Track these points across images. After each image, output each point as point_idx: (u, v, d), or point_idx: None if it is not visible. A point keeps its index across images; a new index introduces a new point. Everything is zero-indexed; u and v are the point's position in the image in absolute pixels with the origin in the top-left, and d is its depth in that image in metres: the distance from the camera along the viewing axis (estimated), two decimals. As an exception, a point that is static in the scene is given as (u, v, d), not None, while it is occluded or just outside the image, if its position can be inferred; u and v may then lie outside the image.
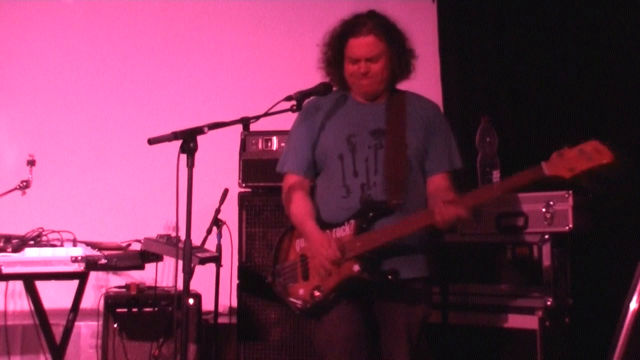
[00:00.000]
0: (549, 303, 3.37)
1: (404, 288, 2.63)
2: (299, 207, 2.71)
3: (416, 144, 2.68)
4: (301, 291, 2.68)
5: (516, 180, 2.44)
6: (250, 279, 3.75)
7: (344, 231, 2.61)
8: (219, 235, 3.69)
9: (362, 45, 2.63)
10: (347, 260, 2.56)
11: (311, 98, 2.74)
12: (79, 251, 3.24)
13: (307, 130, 2.77)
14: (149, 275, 3.88)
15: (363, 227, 2.58)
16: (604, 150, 2.28)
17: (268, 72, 4.78)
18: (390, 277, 2.54)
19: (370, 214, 2.59)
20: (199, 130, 2.46)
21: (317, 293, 2.63)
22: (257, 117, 2.65)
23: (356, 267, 2.55)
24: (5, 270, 3.10)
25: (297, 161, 2.79)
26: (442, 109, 4.47)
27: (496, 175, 3.71)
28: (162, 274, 3.92)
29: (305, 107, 2.72)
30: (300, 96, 2.64)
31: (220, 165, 4.20)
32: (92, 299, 4.22)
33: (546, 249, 3.42)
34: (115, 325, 3.82)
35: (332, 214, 2.66)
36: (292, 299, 2.72)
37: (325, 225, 2.66)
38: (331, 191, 2.69)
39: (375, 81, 2.68)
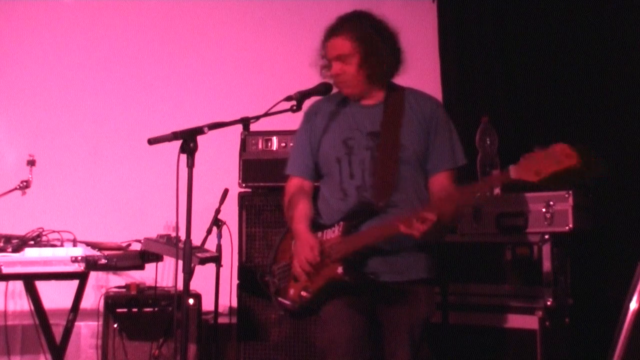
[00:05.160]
0: (549, 303, 3.37)
1: (405, 290, 2.63)
2: (294, 210, 2.75)
3: (413, 143, 2.66)
4: (291, 292, 2.70)
5: (485, 185, 2.41)
6: (250, 279, 3.75)
7: (334, 233, 2.62)
8: (219, 235, 3.70)
9: (332, 47, 2.66)
10: (333, 262, 2.57)
11: (313, 101, 2.75)
12: (79, 251, 3.24)
13: (307, 135, 2.80)
14: (149, 275, 3.88)
15: (351, 229, 2.58)
16: (571, 154, 2.22)
17: (268, 72, 4.78)
18: (372, 277, 2.55)
19: (356, 216, 2.59)
20: (199, 130, 2.46)
21: (304, 294, 2.65)
22: (257, 117, 2.65)
23: (340, 269, 2.55)
24: (5, 270, 3.10)
25: (297, 164, 2.83)
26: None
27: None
28: (162, 274, 3.92)
29: (306, 112, 2.76)
30: (300, 96, 2.65)
31: (220, 165, 4.20)
32: (92, 299, 4.23)
33: (546, 249, 3.42)
34: (115, 325, 3.82)
35: (331, 216, 2.68)
36: (281, 300, 2.74)
37: (319, 227, 2.67)
38: (331, 194, 2.71)
39: (351, 83, 2.67)
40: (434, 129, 2.69)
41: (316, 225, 2.68)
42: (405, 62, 2.72)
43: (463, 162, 2.74)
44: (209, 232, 3.68)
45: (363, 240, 2.54)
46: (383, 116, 2.68)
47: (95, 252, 3.28)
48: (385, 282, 2.60)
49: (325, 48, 2.69)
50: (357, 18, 2.68)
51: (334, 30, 2.66)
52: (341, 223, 2.61)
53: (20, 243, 3.21)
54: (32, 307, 3.67)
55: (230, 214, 3.78)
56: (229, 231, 3.74)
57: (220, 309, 3.77)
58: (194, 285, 2.96)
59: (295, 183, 2.82)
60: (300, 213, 2.71)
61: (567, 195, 3.43)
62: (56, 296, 3.84)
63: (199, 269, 3.34)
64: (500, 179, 2.36)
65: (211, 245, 3.69)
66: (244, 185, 3.85)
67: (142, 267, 3.50)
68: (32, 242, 3.25)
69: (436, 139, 2.69)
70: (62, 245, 3.29)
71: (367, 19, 2.68)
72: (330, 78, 2.71)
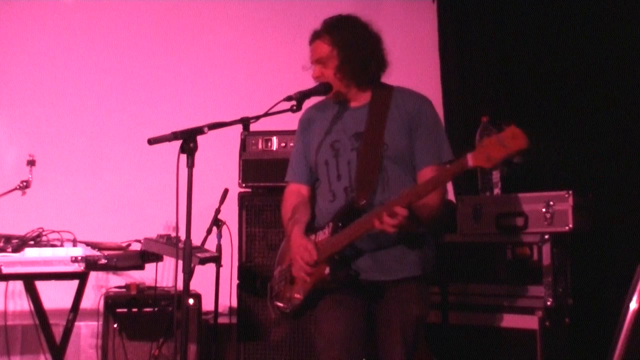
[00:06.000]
0: (549, 303, 3.37)
1: (395, 288, 2.62)
2: (288, 214, 2.77)
3: (396, 141, 2.65)
4: (287, 294, 2.72)
5: (445, 174, 2.41)
6: (250, 279, 3.75)
7: (324, 234, 2.63)
8: (219, 235, 3.70)
9: (312, 50, 2.70)
10: (321, 263, 2.58)
11: (307, 107, 2.77)
12: (79, 251, 3.25)
13: (302, 141, 2.84)
14: (149, 275, 3.88)
15: (337, 229, 2.59)
16: (520, 136, 2.20)
17: (268, 72, 4.78)
18: (354, 275, 2.56)
19: (342, 216, 2.59)
20: (199, 130, 2.46)
21: (296, 295, 2.67)
22: (257, 117, 2.66)
23: (327, 270, 2.56)
24: (5, 270, 3.10)
25: (293, 171, 2.86)
26: (442, 108, 4.51)
27: (496, 175, 3.71)
28: (162, 274, 3.92)
29: (300, 119, 2.81)
30: (300, 96, 2.65)
31: (220, 165, 4.20)
32: (92, 299, 4.22)
33: (546, 249, 3.42)
34: (115, 325, 3.82)
35: (323, 218, 2.69)
36: (277, 303, 2.76)
37: (313, 229, 2.69)
38: (323, 197, 2.74)
39: (332, 85, 2.69)
40: (418, 125, 2.67)
41: (311, 228, 2.70)
42: (390, 65, 2.72)
43: (449, 159, 2.71)
44: (209, 232, 3.68)
45: (344, 239, 2.54)
46: (367, 116, 2.69)
47: (95, 252, 3.28)
48: (375, 281, 2.60)
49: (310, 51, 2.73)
50: (337, 22, 2.69)
51: (315, 34, 2.70)
52: (330, 224, 2.62)
53: (20, 243, 3.21)
54: (32, 307, 3.67)
55: (230, 214, 3.79)
56: (229, 231, 3.74)
57: (220, 309, 3.77)
58: (194, 285, 2.96)
59: (291, 189, 2.84)
60: (295, 217, 2.73)
61: (567, 195, 3.43)
62: (56, 296, 3.84)
63: (199, 269, 3.34)
64: (459, 167, 2.34)
65: (211, 245, 3.69)
66: (244, 185, 3.85)
67: (142, 267, 3.51)
68: (32, 242, 3.26)
69: (420, 135, 2.67)
70: (62, 245, 3.30)
71: (347, 22, 2.69)
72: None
